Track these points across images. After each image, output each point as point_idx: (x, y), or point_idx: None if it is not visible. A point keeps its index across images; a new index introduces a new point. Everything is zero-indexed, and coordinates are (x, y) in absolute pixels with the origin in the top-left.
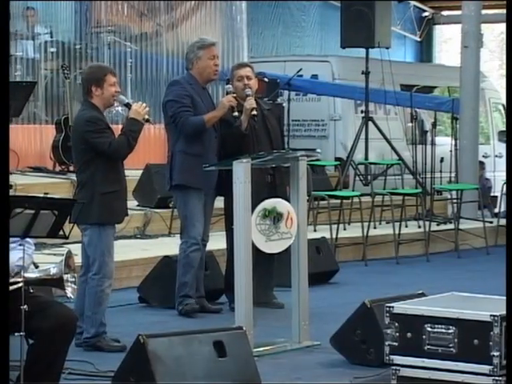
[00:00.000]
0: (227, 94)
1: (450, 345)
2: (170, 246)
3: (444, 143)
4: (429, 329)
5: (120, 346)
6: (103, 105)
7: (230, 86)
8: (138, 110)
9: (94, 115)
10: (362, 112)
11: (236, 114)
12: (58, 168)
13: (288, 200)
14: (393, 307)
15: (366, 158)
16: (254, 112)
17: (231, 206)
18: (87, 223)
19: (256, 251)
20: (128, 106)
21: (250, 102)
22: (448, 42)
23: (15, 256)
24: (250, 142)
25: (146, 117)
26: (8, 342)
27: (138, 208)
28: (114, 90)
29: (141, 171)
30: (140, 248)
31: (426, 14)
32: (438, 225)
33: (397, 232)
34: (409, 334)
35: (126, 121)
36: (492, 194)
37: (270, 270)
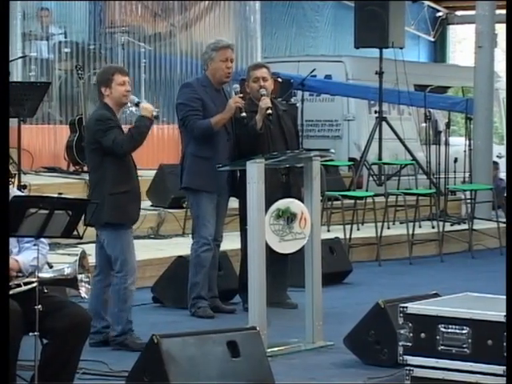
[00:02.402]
0: (234, 94)
1: (464, 345)
2: (184, 246)
3: (458, 143)
4: (442, 329)
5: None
6: (115, 104)
7: (237, 85)
8: (146, 106)
9: (104, 113)
10: (375, 112)
11: (244, 114)
12: (72, 168)
13: (302, 200)
14: (406, 307)
15: (380, 159)
16: (269, 111)
17: (246, 207)
18: (100, 224)
19: (270, 251)
20: (138, 104)
21: (265, 102)
22: (462, 42)
23: (29, 256)
24: (264, 142)
25: (154, 113)
26: (8, 341)
27: (152, 208)
28: (123, 89)
29: (154, 171)
30: (154, 248)
31: (439, 14)
32: (451, 225)
33: (410, 232)
34: (422, 335)
35: (136, 118)
36: (506, 194)
37: (284, 270)
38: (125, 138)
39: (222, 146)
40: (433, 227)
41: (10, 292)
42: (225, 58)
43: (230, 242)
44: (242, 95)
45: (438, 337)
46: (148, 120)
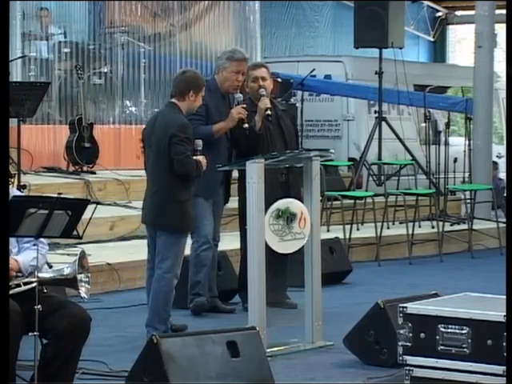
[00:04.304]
0: (237, 104)
1: (464, 345)
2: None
3: (457, 143)
4: (442, 329)
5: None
6: (186, 111)
7: (241, 95)
8: (202, 160)
9: (188, 123)
10: (375, 112)
11: (246, 125)
12: (71, 168)
13: (301, 200)
14: (406, 307)
15: (380, 158)
16: (269, 112)
17: (245, 206)
18: (162, 228)
19: (269, 251)
20: (198, 152)
21: (265, 102)
22: (462, 42)
23: (29, 256)
24: (264, 142)
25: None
26: (8, 341)
27: None
28: (200, 101)
29: None
30: None
31: (439, 14)
32: (451, 225)
33: (410, 232)
34: (422, 335)
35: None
36: (506, 194)
37: (283, 270)
38: (189, 161)
39: (221, 154)
40: (432, 227)
41: (10, 292)
42: (237, 70)
43: (230, 242)
44: (245, 105)
45: (437, 337)
46: (196, 171)
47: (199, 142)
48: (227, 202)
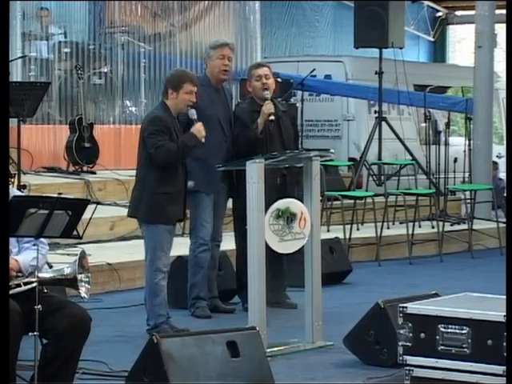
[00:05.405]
0: (192, 122)
1: (464, 345)
2: (183, 247)
3: (458, 143)
4: (442, 329)
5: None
6: (175, 109)
7: (194, 111)
8: (200, 129)
9: (160, 116)
10: (375, 112)
11: (272, 118)
12: (71, 168)
13: (301, 200)
14: (406, 307)
15: (380, 158)
16: (272, 118)
17: (240, 207)
18: (139, 221)
19: (268, 251)
20: (194, 121)
21: (269, 107)
22: (462, 42)
23: (29, 256)
24: (262, 143)
25: (203, 140)
26: (8, 341)
27: None
28: (187, 98)
29: None
30: None
31: (439, 14)
32: (451, 225)
33: (410, 232)
34: (422, 335)
35: (186, 134)
36: (506, 194)
37: (282, 270)
38: (170, 151)
39: (217, 147)
40: (432, 227)
41: (10, 292)
42: (222, 55)
43: (230, 242)
44: (200, 123)
45: (437, 337)
46: (196, 140)
47: (192, 111)
48: (231, 195)
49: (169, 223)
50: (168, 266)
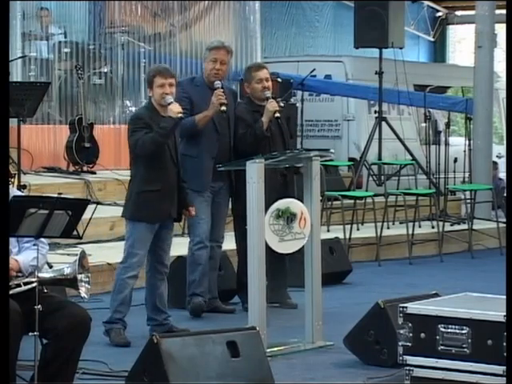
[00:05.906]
0: (215, 89)
1: (464, 345)
2: (183, 247)
3: (458, 143)
4: (442, 329)
5: (124, 342)
6: (158, 105)
7: (219, 82)
8: (172, 107)
9: (138, 113)
10: (375, 112)
11: (224, 108)
12: (71, 168)
13: (301, 200)
14: (406, 307)
15: (380, 158)
16: (278, 115)
17: (240, 207)
18: (125, 217)
19: (268, 251)
20: (169, 104)
21: (273, 105)
22: (462, 42)
23: (29, 256)
24: (265, 143)
25: (180, 115)
26: (8, 341)
27: None
28: (160, 91)
29: None
30: None
31: (439, 14)
32: (451, 225)
33: (410, 232)
34: (422, 335)
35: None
36: (506, 194)
37: (283, 269)
38: (147, 139)
39: (209, 145)
40: (432, 227)
41: (10, 292)
42: (214, 58)
43: (230, 242)
44: (223, 90)
45: (437, 337)
46: (172, 120)
47: (167, 97)
48: (232, 195)
49: (153, 221)
50: (141, 266)
